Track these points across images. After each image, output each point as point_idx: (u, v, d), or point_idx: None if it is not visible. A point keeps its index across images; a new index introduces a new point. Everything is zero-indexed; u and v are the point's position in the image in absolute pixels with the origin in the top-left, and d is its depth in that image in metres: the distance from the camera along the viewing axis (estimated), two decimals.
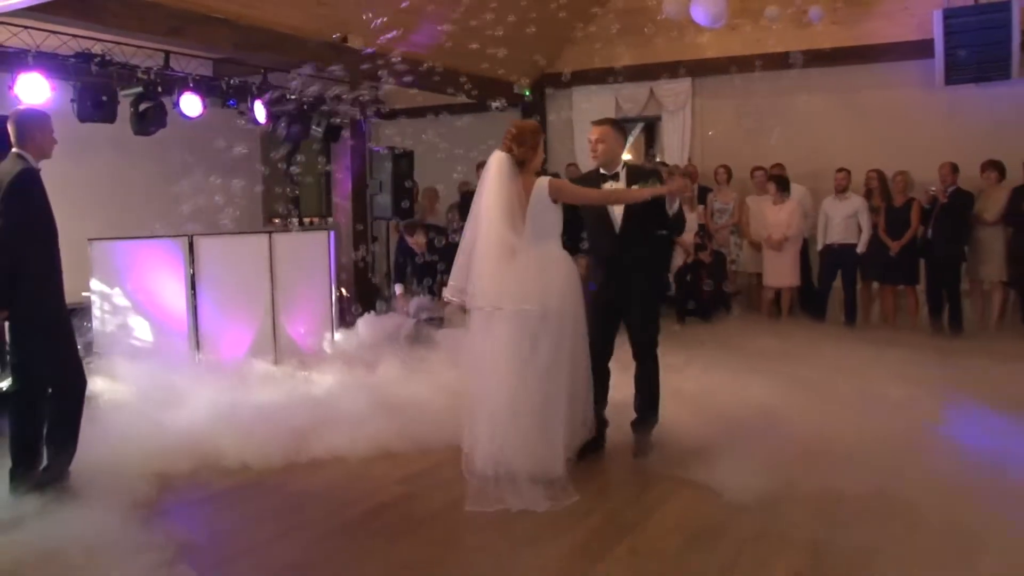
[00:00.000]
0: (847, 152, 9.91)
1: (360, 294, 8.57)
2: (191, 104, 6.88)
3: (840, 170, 9.50)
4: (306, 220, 11.49)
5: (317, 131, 7.95)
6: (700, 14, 8.69)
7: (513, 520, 4.14)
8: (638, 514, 4.19)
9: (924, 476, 4.23)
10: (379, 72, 8.77)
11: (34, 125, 4.57)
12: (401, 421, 5.54)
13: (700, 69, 10.89)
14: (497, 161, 4.77)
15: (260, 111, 7.58)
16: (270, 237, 7.22)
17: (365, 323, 7.95)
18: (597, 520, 4.13)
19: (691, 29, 10.51)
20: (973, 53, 9.19)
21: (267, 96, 7.57)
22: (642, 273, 5.04)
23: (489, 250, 4.57)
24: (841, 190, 9.47)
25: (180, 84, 6.81)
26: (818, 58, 10.18)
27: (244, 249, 7.05)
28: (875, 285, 9.57)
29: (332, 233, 7.90)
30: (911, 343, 8.23)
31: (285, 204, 11.49)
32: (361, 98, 8.59)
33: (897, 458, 4.54)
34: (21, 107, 4.97)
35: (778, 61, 10.35)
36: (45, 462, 4.53)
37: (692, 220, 9.82)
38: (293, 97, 7.87)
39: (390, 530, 4.10)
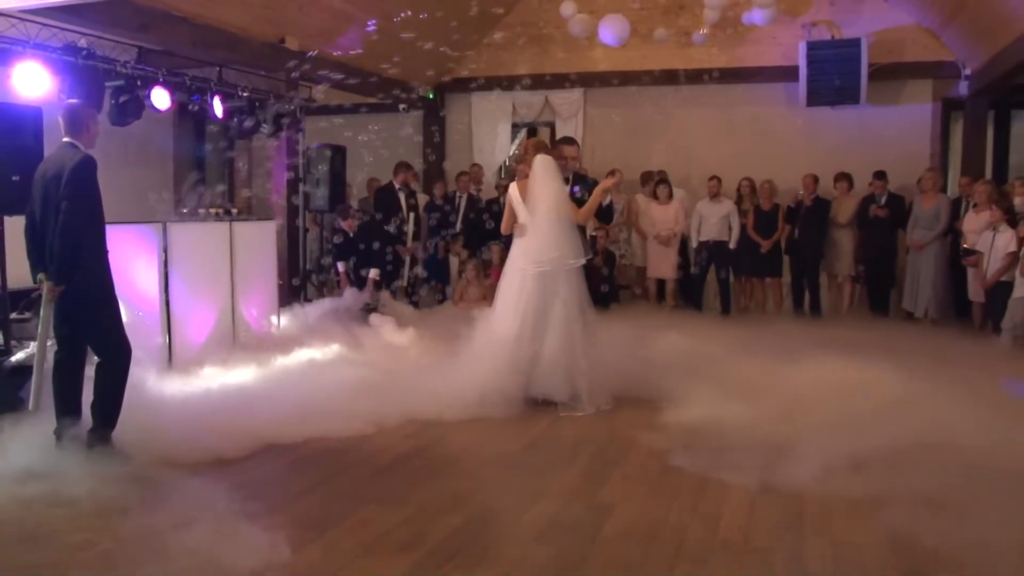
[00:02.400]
0: (720, 161, 11.24)
1: (294, 281, 9.14)
2: (161, 98, 7.25)
3: (713, 177, 10.79)
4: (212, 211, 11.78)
5: (264, 128, 8.42)
6: (607, 35, 9.73)
7: (522, 458, 5.04)
8: (618, 451, 5.15)
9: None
10: (311, 73, 9.36)
11: (89, 117, 5.02)
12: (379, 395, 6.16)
13: (592, 81, 11.95)
14: (543, 162, 6.16)
15: (218, 106, 8.01)
16: (231, 226, 7.68)
17: (316, 306, 8.53)
18: (586, 459, 5.06)
19: (586, 44, 11.63)
20: (830, 80, 10.71)
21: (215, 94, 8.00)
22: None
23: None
24: (714, 195, 10.76)
25: (151, 78, 7.18)
26: (698, 76, 11.49)
27: (209, 236, 7.48)
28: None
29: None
30: (781, 326, 9.56)
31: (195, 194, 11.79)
32: (297, 97, 9.14)
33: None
34: (73, 100, 5.35)
35: (663, 77, 11.60)
36: (91, 425, 4.96)
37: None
38: (245, 95, 8.33)
39: (422, 471, 4.83)
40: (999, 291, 8.04)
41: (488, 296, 9.91)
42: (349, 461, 4.98)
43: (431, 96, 12.27)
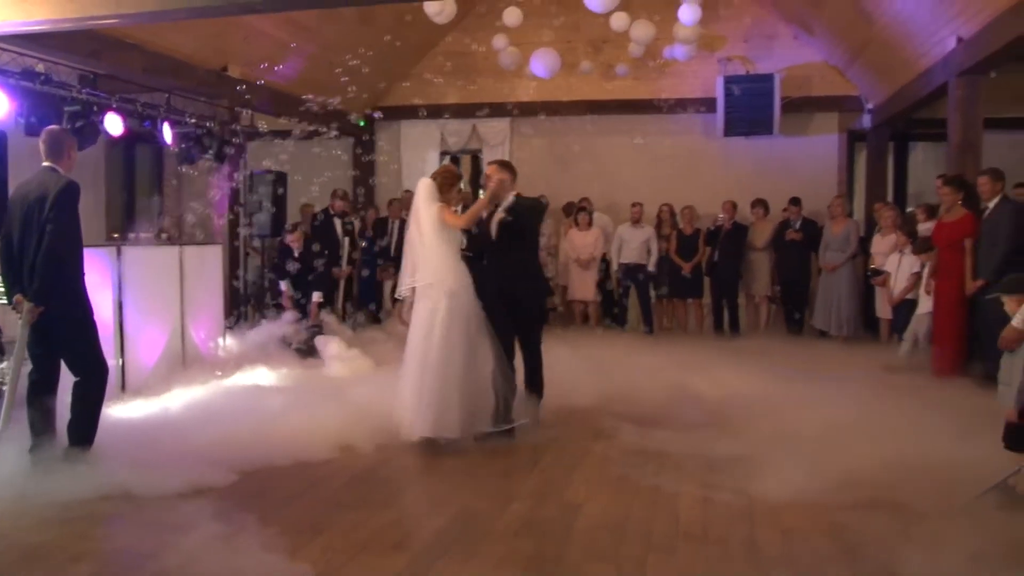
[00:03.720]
0: (641, 187, 11.81)
1: (238, 304, 9.25)
2: (114, 123, 7.33)
3: (635, 204, 11.33)
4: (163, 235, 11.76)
5: (209, 155, 8.56)
6: (539, 67, 10.19)
7: (484, 465, 5.37)
8: (574, 457, 5.53)
9: None
10: (252, 101, 9.55)
11: (69, 143, 5.17)
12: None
13: (519, 110, 12.38)
14: (424, 185, 5.98)
15: (167, 133, 8.12)
16: (181, 250, 7.79)
17: (258, 330, 8.65)
18: (549, 461, 5.42)
19: (514, 75, 12.07)
20: (745, 112, 11.41)
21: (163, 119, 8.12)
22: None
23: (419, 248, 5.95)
24: (636, 220, 11.29)
25: (104, 104, 7.27)
26: (620, 107, 12.06)
27: (161, 260, 7.58)
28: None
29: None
30: (703, 344, 10.11)
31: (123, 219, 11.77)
32: (239, 123, 9.31)
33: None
34: (54, 126, 5.47)
35: (587, 107, 12.13)
36: (66, 444, 5.05)
37: None
38: (192, 121, 8.46)
39: (393, 479, 5.10)
40: (904, 308, 8.73)
41: None
42: (321, 474, 5.15)
43: (363, 124, 12.52)
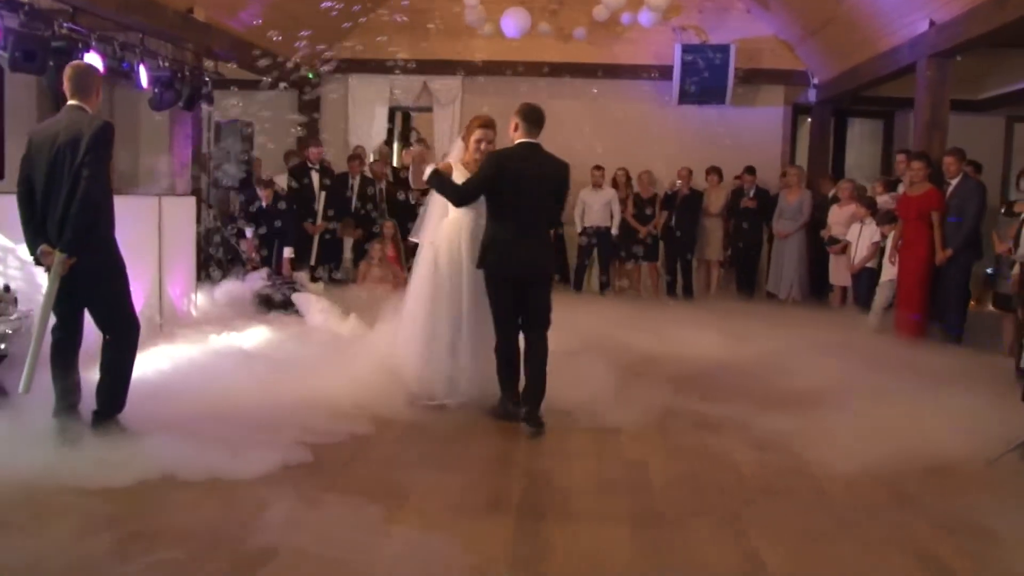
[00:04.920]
0: (594, 151, 11.87)
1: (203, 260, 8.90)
2: (94, 63, 6.87)
3: (597, 167, 11.44)
4: None
5: (180, 103, 8.15)
6: (510, 26, 10.10)
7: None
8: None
9: None
10: (211, 47, 9.15)
11: (98, 79, 4.81)
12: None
13: (471, 69, 12.24)
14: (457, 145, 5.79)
15: (143, 75, 7.67)
16: (159, 200, 7.43)
17: (228, 286, 8.35)
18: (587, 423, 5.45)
19: (467, 32, 11.92)
20: (700, 81, 11.63)
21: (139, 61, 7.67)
22: None
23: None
24: (597, 183, 11.41)
25: (83, 42, 6.81)
26: (575, 70, 12.09)
27: (136, 210, 7.20)
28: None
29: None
30: (650, 305, 10.38)
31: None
32: (205, 68, 8.89)
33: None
34: (79, 61, 5.07)
35: (542, 69, 12.09)
36: (95, 407, 4.77)
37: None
38: (165, 65, 8.02)
39: (444, 440, 5.02)
40: (864, 275, 9.18)
41: (391, 277, 10.08)
42: (374, 437, 4.99)
43: (312, 76, 12.14)
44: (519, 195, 5.08)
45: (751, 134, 12.19)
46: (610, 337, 7.66)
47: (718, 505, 4.16)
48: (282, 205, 8.78)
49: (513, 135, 5.27)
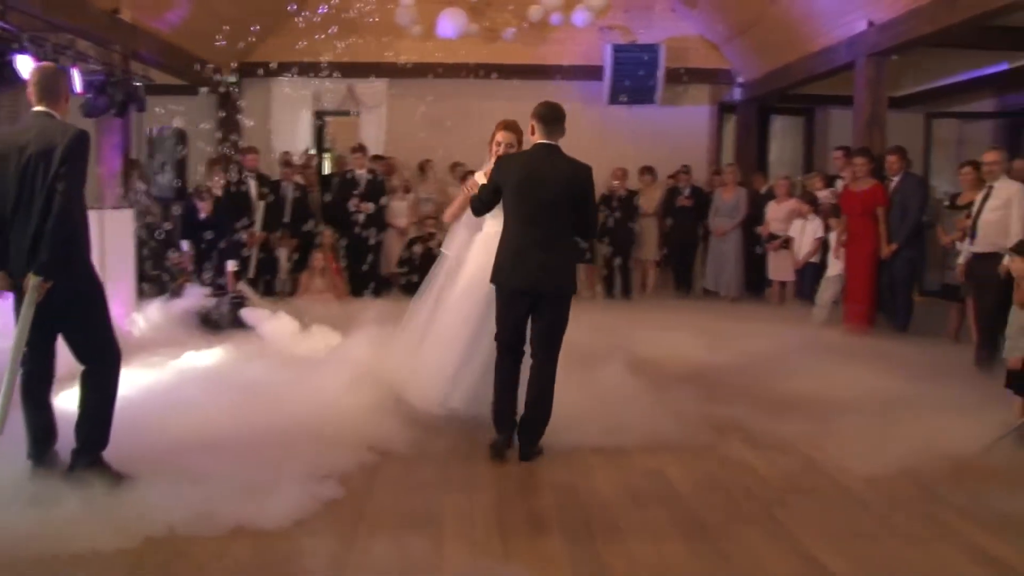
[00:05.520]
0: None
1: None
2: (25, 65, 6.36)
3: None
4: None
5: (112, 109, 7.65)
6: (447, 27, 9.92)
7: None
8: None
9: None
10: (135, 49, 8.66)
11: (65, 82, 4.41)
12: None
13: (397, 72, 11.97)
14: None
15: (76, 79, 7.14)
16: (100, 214, 6.95)
17: (169, 303, 7.89)
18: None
19: (392, 34, 11.66)
20: (631, 82, 11.70)
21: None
22: None
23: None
24: None
25: (16, 42, 6.30)
26: (502, 71, 11.96)
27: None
28: None
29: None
30: (598, 307, 10.34)
31: None
32: (134, 72, 8.40)
33: None
34: (46, 63, 4.63)
35: (471, 71, 11.94)
36: (75, 445, 4.35)
37: (403, 208, 11.08)
38: (97, 68, 7.52)
39: (461, 457, 4.80)
40: (809, 270, 9.39)
41: (332, 287, 9.75)
42: (376, 467, 4.64)
43: (232, 81, 11.66)
44: (530, 202, 4.69)
45: (679, 133, 12.34)
46: (576, 344, 7.53)
47: (753, 509, 4.14)
48: (224, 216, 8.33)
49: (532, 138, 4.90)
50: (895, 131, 10.16)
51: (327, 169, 12.57)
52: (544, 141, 4.81)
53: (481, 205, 5.00)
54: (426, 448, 4.91)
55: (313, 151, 11.98)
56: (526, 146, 5.15)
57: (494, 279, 4.85)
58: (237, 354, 7.00)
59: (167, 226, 8.48)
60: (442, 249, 5.88)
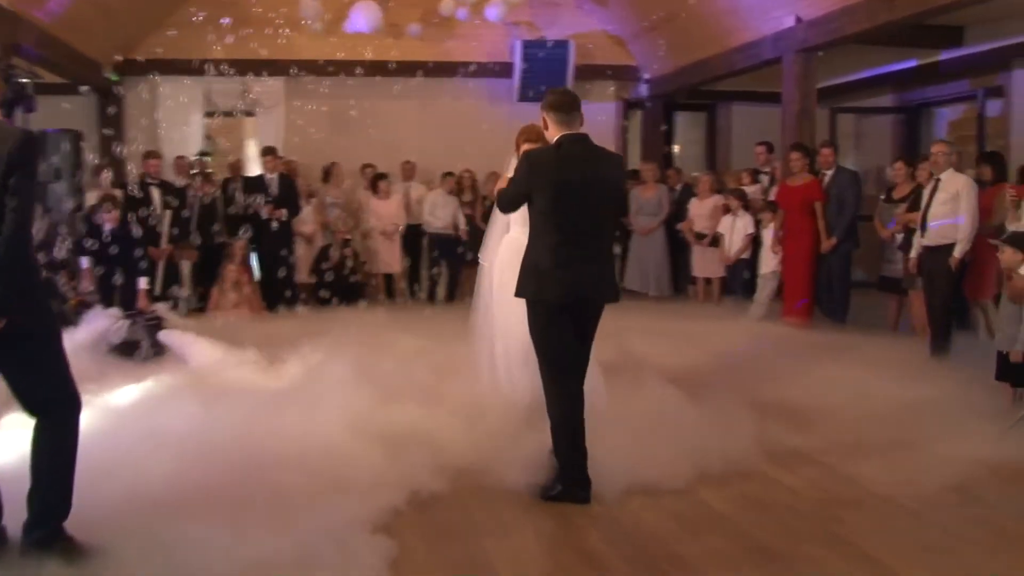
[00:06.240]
0: (430, 153, 11.41)
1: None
2: None
3: (447, 173, 10.95)
4: None
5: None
6: (359, 22, 9.36)
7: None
8: None
9: None
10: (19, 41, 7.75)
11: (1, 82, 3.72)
12: None
13: (295, 68, 11.27)
14: None
15: None
16: None
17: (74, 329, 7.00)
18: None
19: (288, 29, 10.98)
20: (541, 78, 11.43)
21: None
22: None
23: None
24: (446, 188, 10.92)
25: None
26: (407, 69, 11.47)
27: None
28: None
29: None
30: None
31: None
32: (17, 68, 7.47)
33: None
34: None
35: (373, 68, 11.37)
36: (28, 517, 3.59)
37: (308, 213, 10.45)
38: None
39: (477, 498, 4.27)
40: (739, 267, 9.39)
41: (247, 301, 9.06)
42: (393, 514, 4.04)
43: (116, 78, 10.68)
44: (569, 205, 4.12)
45: (586, 130, 12.11)
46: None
47: (809, 528, 3.92)
48: (137, 229, 7.48)
49: (548, 133, 4.40)
50: None
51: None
52: (569, 132, 4.31)
53: (509, 203, 4.50)
54: (435, 494, 4.28)
55: (207, 155, 11.11)
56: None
57: (530, 293, 4.26)
58: (164, 386, 6.22)
59: (65, 242, 7.55)
60: (480, 259, 5.57)
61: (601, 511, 4.10)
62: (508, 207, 4.56)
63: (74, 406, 3.68)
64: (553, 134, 4.33)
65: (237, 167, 10.89)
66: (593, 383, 4.71)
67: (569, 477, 4.22)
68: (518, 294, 4.32)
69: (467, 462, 4.48)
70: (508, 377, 5.14)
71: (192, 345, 6.94)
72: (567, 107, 4.32)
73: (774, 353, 6.91)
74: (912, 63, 10.20)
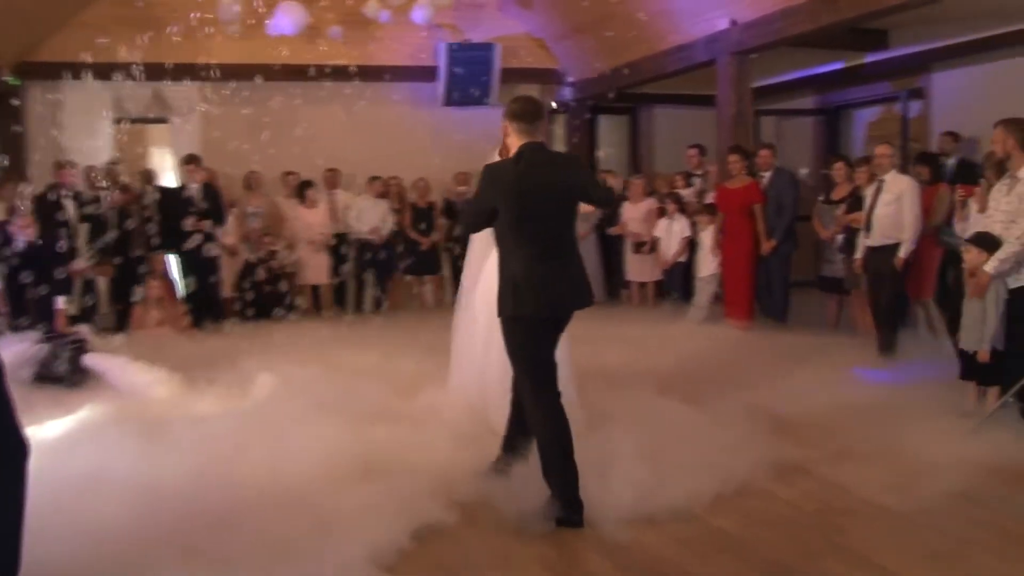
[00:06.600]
0: (366, 159, 11.06)
1: None
2: None
3: (373, 178, 10.63)
4: None
5: None
6: (284, 23, 8.97)
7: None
8: None
9: None
10: None
11: None
12: None
13: (211, 74, 10.75)
14: None
15: None
16: None
17: None
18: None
19: (203, 31, 10.47)
20: (466, 82, 11.23)
21: None
22: None
23: None
24: (378, 194, 10.60)
25: None
26: (331, 73, 11.07)
27: None
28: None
29: None
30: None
31: None
32: None
33: None
34: None
35: (291, 72, 10.94)
36: None
37: (229, 224, 10.00)
38: None
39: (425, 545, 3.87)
40: (677, 271, 9.38)
41: (172, 319, 8.57)
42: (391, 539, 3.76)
43: (16, 83, 9.98)
44: (537, 217, 4.05)
45: None
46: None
47: (815, 540, 3.85)
48: (55, 243, 6.94)
49: (510, 142, 4.28)
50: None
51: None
52: (530, 141, 4.17)
53: (474, 224, 4.34)
54: (434, 524, 3.97)
55: (117, 163, 10.46)
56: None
57: (509, 309, 4.09)
58: (96, 416, 5.68)
59: None
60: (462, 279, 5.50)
61: (604, 538, 3.89)
62: (473, 227, 4.43)
63: (19, 455, 3.28)
64: (514, 143, 4.21)
65: (150, 177, 10.33)
66: (569, 396, 4.57)
67: (564, 499, 4.03)
68: (500, 313, 4.16)
69: (458, 491, 4.22)
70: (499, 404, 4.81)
71: (122, 369, 6.48)
72: (531, 116, 4.18)
73: (734, 357, 6.89)
74: (839, 65, 10.40)
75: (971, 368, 5.37)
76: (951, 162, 8.56)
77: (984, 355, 5.22)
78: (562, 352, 4.35)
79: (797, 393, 5.81)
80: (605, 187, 4.57)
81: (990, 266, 5.19)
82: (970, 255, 5.31)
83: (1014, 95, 8.69)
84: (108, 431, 5.21)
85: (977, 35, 8.78)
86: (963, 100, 9.45)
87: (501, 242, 4.19)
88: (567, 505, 4.01)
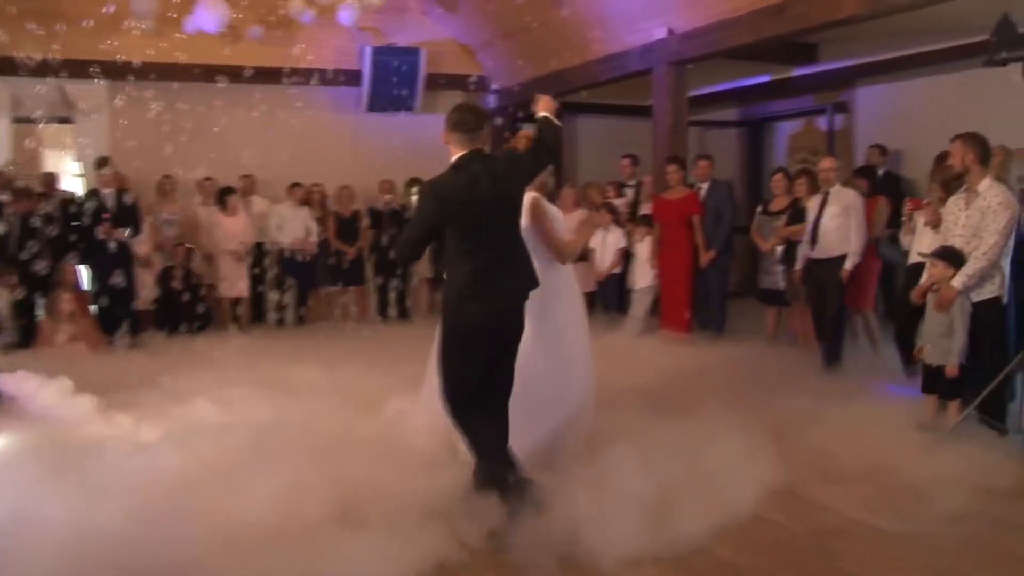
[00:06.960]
0: (286, 166, 10.60)
1: None
2: None
3: (294, 185, 10.21)
4: None
5: None
6: (205, 19, 8.49)
7: None
8: None
9: None
10: None
11: None
12: None
13: (120, 72, 10.12)
14: None
15: None
16: None
17: None
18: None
19: (109, 28, 9.88)
20: (390, 88, 10.92)
21: None
22: None
23: None
24: (299, 202, 10.18)
25: None
26: (248, 74, 10.56)
27: None
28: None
29: None
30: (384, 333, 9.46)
31: None
32: None
33: None
34: None
35: (208, 72, 10.38)
36: None
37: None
38: None
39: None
40: (612, 282, 9.27)
41: (84, 335, 7.99)
42: None
43: None
44: (485, 228, 4.02)
45: (435, 143, 11.67)
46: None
47: (817, 565, 3.77)
48: None
49: (451, 152, 4.20)
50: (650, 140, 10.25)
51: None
52: (468, 150, 4.12)
53: (413, 252, 4.27)
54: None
55: (12, 167, 9.72)
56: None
57: (451, 320, 4.07)
58: (28, 449, 5.10)
59: None
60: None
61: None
62: (411, 256, 4.36)
63: None
64: (454, 153, 4.15)
65: (52, 181, 9.67)
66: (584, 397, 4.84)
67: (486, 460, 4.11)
68: (442, 321, 4.15)
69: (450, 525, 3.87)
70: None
71: (35, 391, 5.94)
72: (471, 126, 4.15)
73: (670, 369, 6.79)
74: (765, 78, 10.52)
75: (933, 382, 5.40)
76: (879, 174, 8.71)
77: (952, 369, 5.24)
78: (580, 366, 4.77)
79: (761, 409, 5.67)
80: (541, 149, 4.33)
81: (958, 281, 5.21)
82: (936, 269, 5.33)
83: (935, 111, 9.00)
84: (26, 465, 4.63)
85: (902, 52, 8.98)
86: (886, 114, 9.68)
87: (448, 254, 4.09)
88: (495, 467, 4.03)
